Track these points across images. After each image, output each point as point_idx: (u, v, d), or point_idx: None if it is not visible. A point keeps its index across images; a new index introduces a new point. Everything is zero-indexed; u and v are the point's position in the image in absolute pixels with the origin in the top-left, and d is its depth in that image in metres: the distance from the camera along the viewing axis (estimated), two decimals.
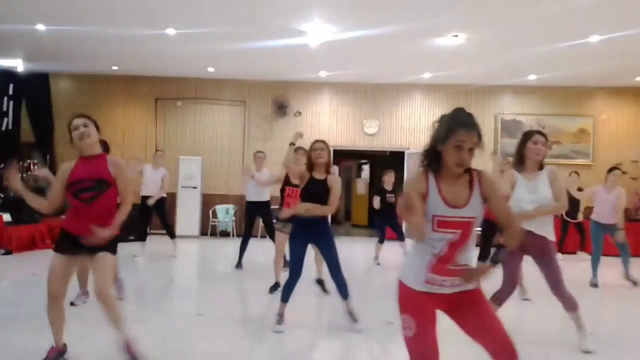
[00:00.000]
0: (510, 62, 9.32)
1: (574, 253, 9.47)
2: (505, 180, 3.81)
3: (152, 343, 3.25)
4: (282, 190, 5.77)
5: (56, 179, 3.13)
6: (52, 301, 3.13)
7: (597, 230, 6.56)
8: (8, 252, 7.72)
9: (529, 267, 4.07)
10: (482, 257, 5.87)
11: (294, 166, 4.79)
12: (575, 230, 9.09)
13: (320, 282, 5.62)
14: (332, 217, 5.57)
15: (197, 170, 11.30)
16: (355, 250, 9.63)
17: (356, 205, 15.54)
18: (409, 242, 7.94)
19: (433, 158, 2.14)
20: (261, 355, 3.63)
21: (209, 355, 3.41)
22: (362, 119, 11.43)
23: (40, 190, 9.52)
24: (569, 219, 8.83)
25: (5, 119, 10.81)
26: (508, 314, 5.02)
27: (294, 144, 4.76)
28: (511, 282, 3.78)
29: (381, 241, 8.16)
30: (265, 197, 7.17)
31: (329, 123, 11.46)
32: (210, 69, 10.69)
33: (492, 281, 2.49)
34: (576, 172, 8.95)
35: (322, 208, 4.12)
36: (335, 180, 4.23)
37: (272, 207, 7.24)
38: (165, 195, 8.04)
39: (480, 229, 6.12)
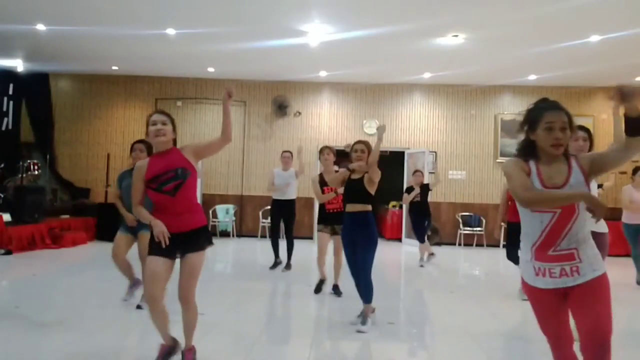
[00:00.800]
0: (510, 62, 9.32)
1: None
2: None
3: (152, 343, 3.26)
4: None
5: (134, 179, 3.07)
6: (152, 304, 3.07)
7: (630, 230, 6.43)
8: (8, 252, 7.72)
9: None
10: (510, 257, 5.85)
11: (336, 183, 4.70)
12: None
13: (335, 287, 5.56)
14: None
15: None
16: None
17: None
18: (426, 246, 7.96)
19: (529, 149, 2.22)
20: (261, 355, 3.64)
21: (209, 355, 3.42)
22: (362, 119, 11.43)
23: (38, 190, 9.56)
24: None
25: (5, 119, 10.81)
26: (514, 315, 5.02)
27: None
28: None
29: (422, 241, 7.93)
30: (292, 195, 7.07)
31: (328, 123, 11.47)
32: (210, 69, 10.70)
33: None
34: None
35: (374, 154, 4.17)
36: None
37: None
38: None
39: (505, 229, 6.08)
